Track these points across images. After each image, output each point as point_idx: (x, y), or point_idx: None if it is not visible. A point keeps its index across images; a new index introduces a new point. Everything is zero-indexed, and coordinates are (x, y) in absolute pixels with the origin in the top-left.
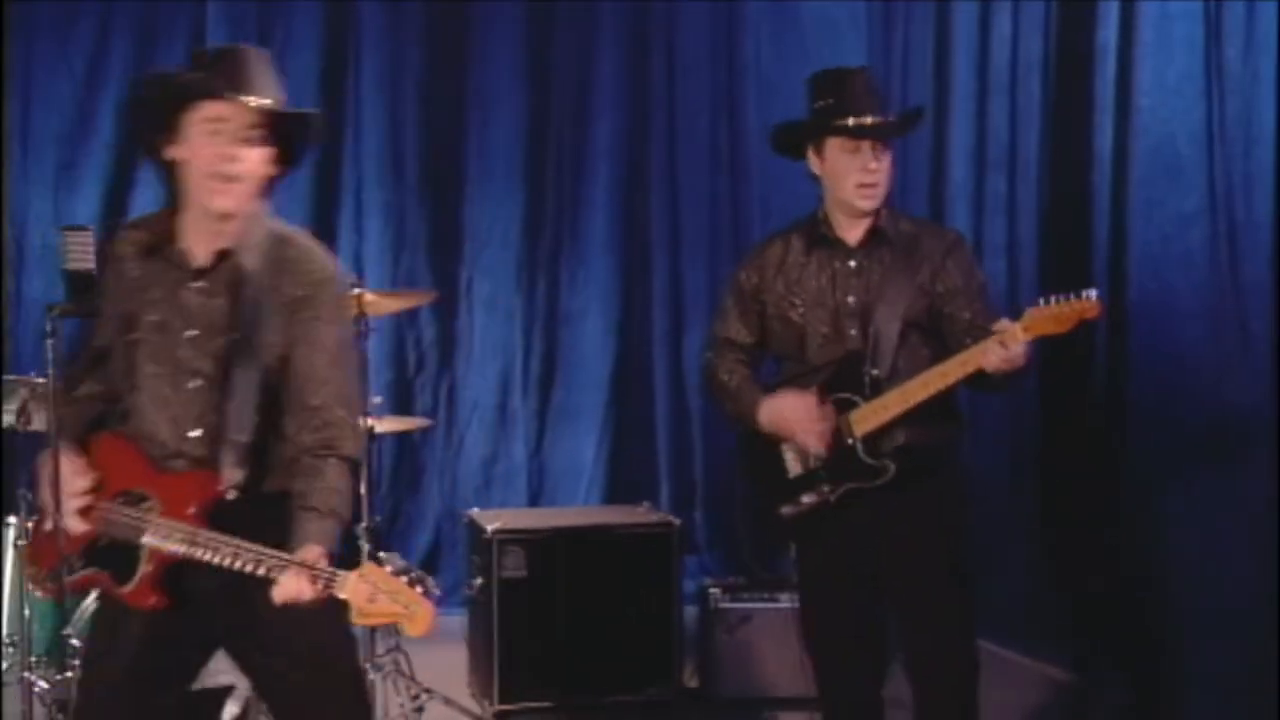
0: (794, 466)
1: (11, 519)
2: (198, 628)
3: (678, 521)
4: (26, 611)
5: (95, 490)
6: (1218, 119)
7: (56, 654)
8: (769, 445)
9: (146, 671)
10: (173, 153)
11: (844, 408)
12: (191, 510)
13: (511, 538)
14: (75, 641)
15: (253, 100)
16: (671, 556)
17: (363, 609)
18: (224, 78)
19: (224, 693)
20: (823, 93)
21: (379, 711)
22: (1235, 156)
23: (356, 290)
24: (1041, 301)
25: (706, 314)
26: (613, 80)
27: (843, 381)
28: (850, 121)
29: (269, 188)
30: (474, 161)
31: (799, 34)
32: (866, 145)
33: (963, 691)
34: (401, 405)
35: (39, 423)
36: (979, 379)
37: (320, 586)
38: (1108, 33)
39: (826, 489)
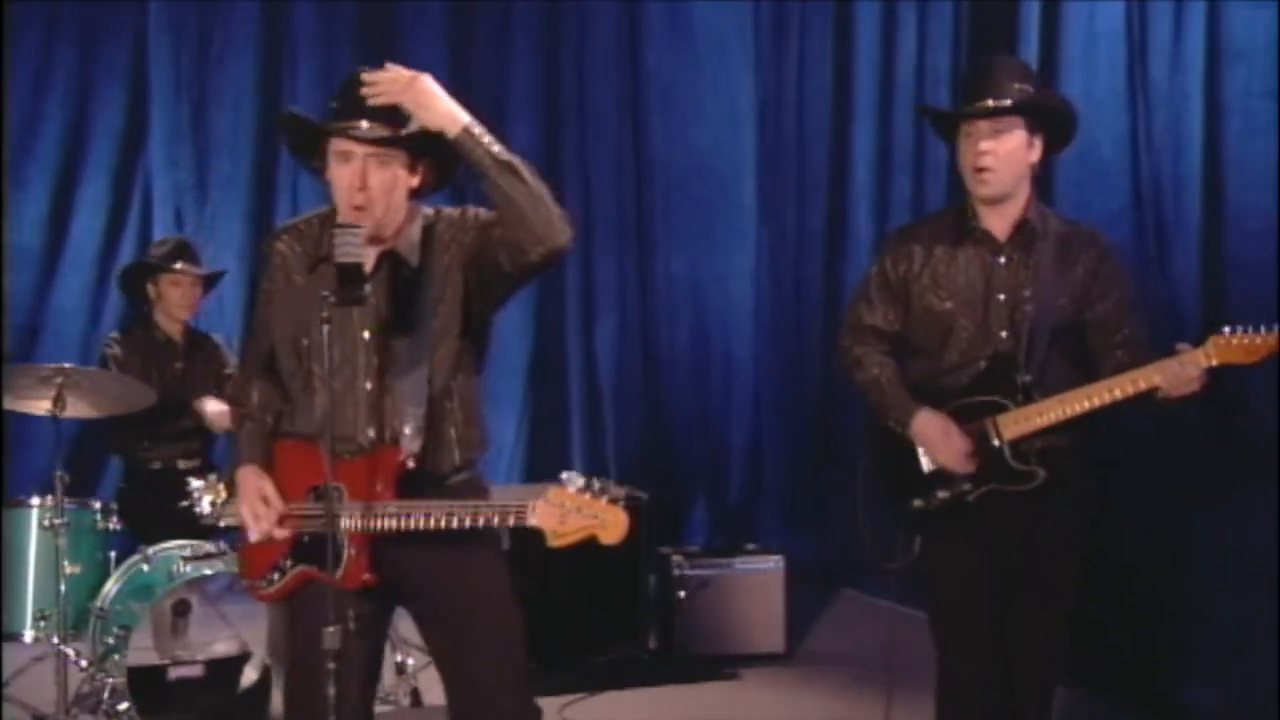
0: (928, 461)
1: (35, 500)
2: (389, 597)
3: (645, 495)
4: (62, 587)
5: (285, 496)
6: (1144, 129)
7: (85, 626)
8: (901, 441)
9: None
10: (325, 175)
11: (991, 410)
12: (379, 487)
13: None
14: (102, 609)
15: (366, 130)
16: (638, 528)
17: (556, 530)
18: (345, 108)
19: (243, 659)
20: (966, 81)
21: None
22: (1163, 162)
23: None
24: (1227, 330)
25: (615, 304)
26: (528, 87)
27: (992, 383)
28: (964, 107)
29: (418, 192)
30: None
31: (694, 45)
32: (980, 127)
33: (1050, 685)
34: None
35: (75, 408)
36: (1142, 397)
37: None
38: (1029, 50)
39: (967, 487)
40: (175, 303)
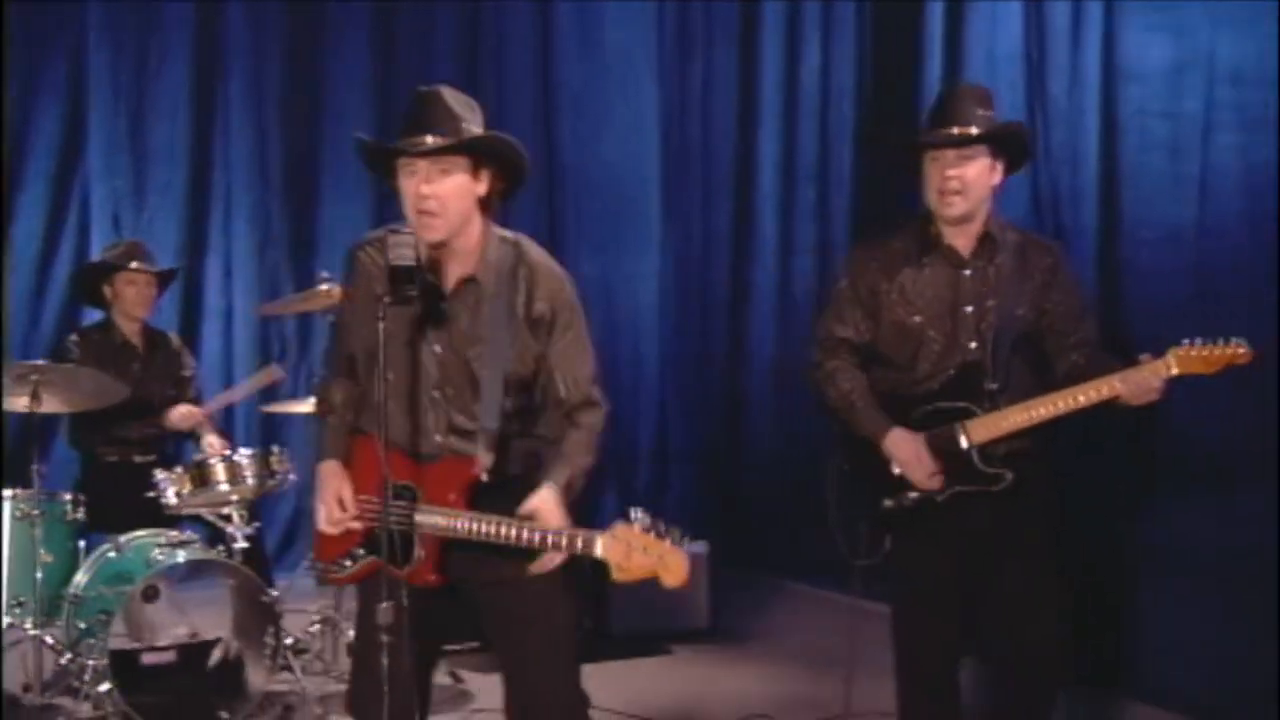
0: (898, 468)
1: (8, 492)
2: (456, 602)
3: None
4: (38, 574)
5: (360, 488)
6: (1043, 144)
7: (58, 613)
8: (873, 443)
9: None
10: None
11: (960, 415)
12: (452, 495)
13: None
14: (76, 596)
15: (426, 143)
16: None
17: (621, 565)
18: (410, 125)
19: (212, 643)
20: (932, 109)
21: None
22: (1062, 174)
23: (326, 286)
24: (1187, 342)
25: None
26: None
27: (961, 390)
28: (931, 134)
29: (489, 206)
30: (327, 168)
31: (603, 56)
32: (947, 154)
33: (1051, 684)
34: (265, 388)
35: (51, 404)
36: (1104, 405)
37: (574, 549)
38: (932, 71)
39: (936, 488)
40: (131, 301)
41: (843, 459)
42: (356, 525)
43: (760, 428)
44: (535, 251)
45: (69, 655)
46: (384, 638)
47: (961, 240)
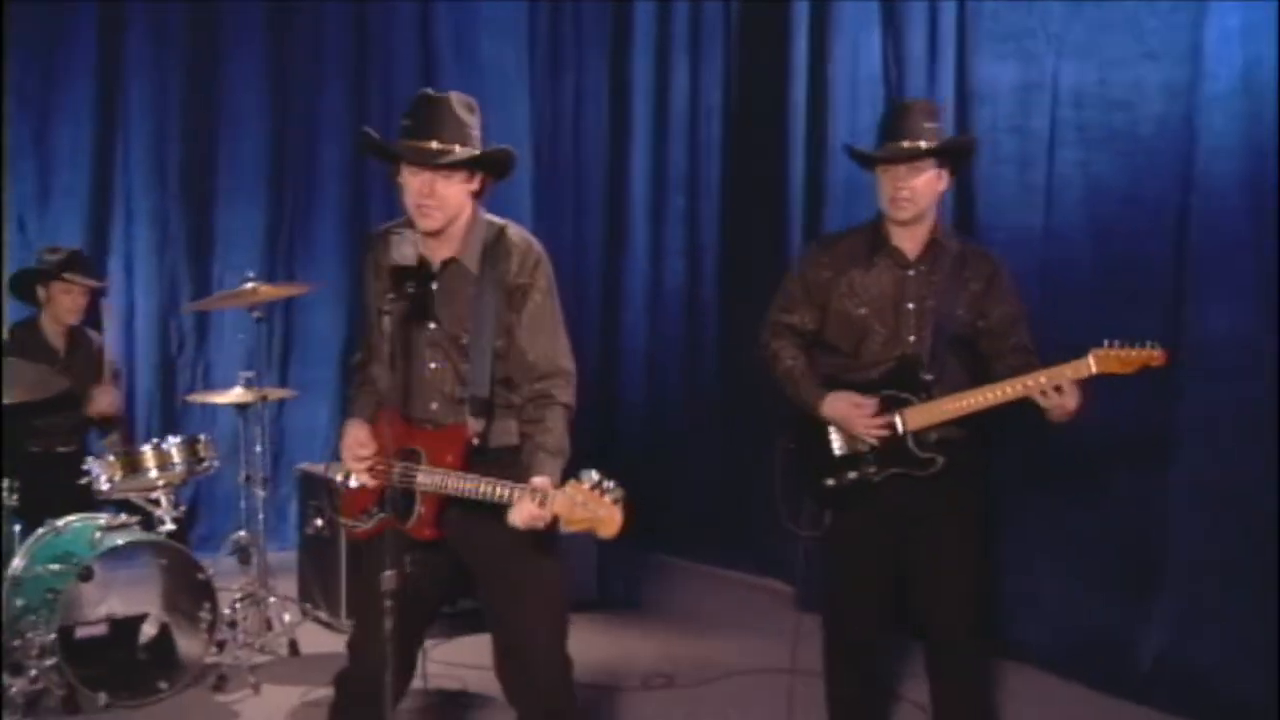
0: (839, 447)
1: None
2: (453, 558)
3: None
4: None
5: (379, 454)
6: None
7: None
8: (816, 426)
9: (411, 595)
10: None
11: (896, 404)
12: (450, 458)
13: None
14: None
15: (432, 149)
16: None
17: (567, 518)
18: (416, 126)
19: (141, 618)
20: (881, 124)
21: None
22: None
23: (252, 285)
24: (1106, 344)
25: None
26: (338, 111)
27: (899, 381)
28: (885, 148)
29: (480, 196)
30: (224, 175)
31: (480, 77)
32: (898, 166)
33: (971, 646)
34: (165, 381)
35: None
36: (1027, 400)
37: (546, 508)
38: (799, 91)
39: (873, 470)
40: (64, 308)
41: (789, 439)
42: (372, 484)
43: (633, 415)
44: (514, 230)
45: (11, 633)
46: (387, 602)
47: (909, 243)
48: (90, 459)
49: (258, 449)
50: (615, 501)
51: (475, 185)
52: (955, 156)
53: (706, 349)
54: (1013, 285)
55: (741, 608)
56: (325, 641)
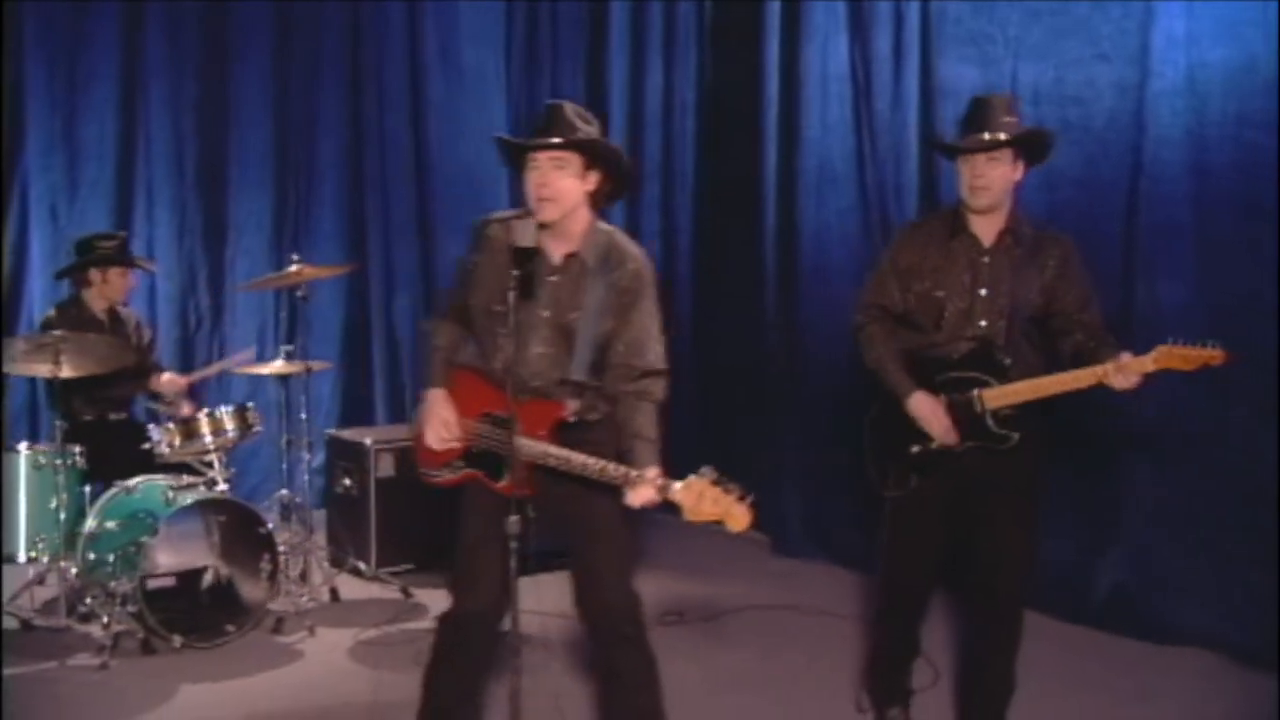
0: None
1: (23, 445)
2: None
3: None
4: (62, 514)
5: (461, 417)
6: (869, 149)
7: (73, 547)
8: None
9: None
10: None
11: (977, 384)
12: (542, 431)
13: (384, 447)
14: (90, 530)
15: (547, 142)
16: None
17: (691, 509)
18: (537, 127)
19: (203, 570)
20: (966, 114)
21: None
22: (886, 173)
23: (296, 266)
24: (1170, 340)
25: (412, 282)
26: (336, 111)
27: (979, 363)
28: (966, 139)
29: (596, 202)
30: (235, 166)
31: (461, 78)
32: (977, 156)
33: (1020, 605)
34: (184, 356)
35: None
36: (1095, 388)
37: (661, 494)
38: (771, 88)
39: (953, 442)
40: (117, 289)
41: (880, 410)
42: (445, 448)
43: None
44: (622, 237)
45: (85, 583)
46: (512, 544)
47: (985, 230)
48: (151, 426)
49: (302, 416)
50: (741, 498)
51: (590, 186)
52: (1032, 148)
53: (681, 323)
54: (1083, 267)
55: (729, 556)
56: (359, 589)
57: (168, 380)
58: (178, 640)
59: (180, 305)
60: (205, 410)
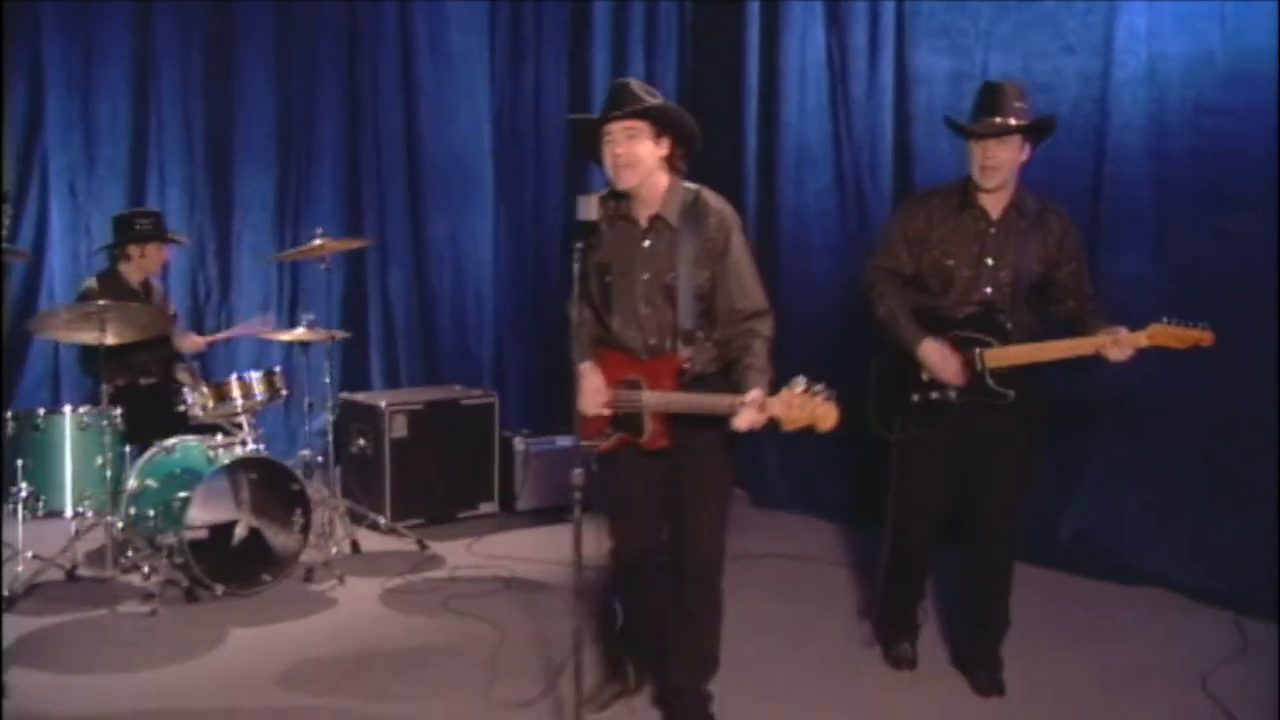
0: (927, 373)
1: (67, 408)
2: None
3: (496, 395)
4: (109, 472)
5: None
6: (845, 132)
7: (116, 504)
8: (909, 354)
9: (657, 492)
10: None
11: (979, 344)
12: (668, 382)
13: (399, 409)
14: (133, 487)
15: (616, 114)
16: (493, 419)
17: (787, 417)
18: (607, 107)
19: (233, 523)
20: (978, 98)
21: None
22: (862, 155)
23: (320, 240)
24: (1165, 319)
25: (408, 259)
26: (334, 96)
27: (983, 324)
28: (996, 120)
29: (673, 165)
30: (240, 147)
31: (450, 65)
32: (989, 139)
33: (1013, 549)
34: (195, 325)
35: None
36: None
37: (765, 413)
38: (752, 76)
39: (953, 394)
40: (153, 261)
41: (885, 361)
42: (607, 412)
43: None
44: (708, 194)
45: (128, 537)
46: (576, 494)
47: (992, 204)
48: (185, 390)
49: (326, 380)
50: (827, 399)
51: (664, 150)
52: (1038, 133)
53: None
54: (1079, 239)
55: None
56: (377, 542)
57: (190, 341)
58: (220, 589)
59: (190, 277)
60: (236, 374)
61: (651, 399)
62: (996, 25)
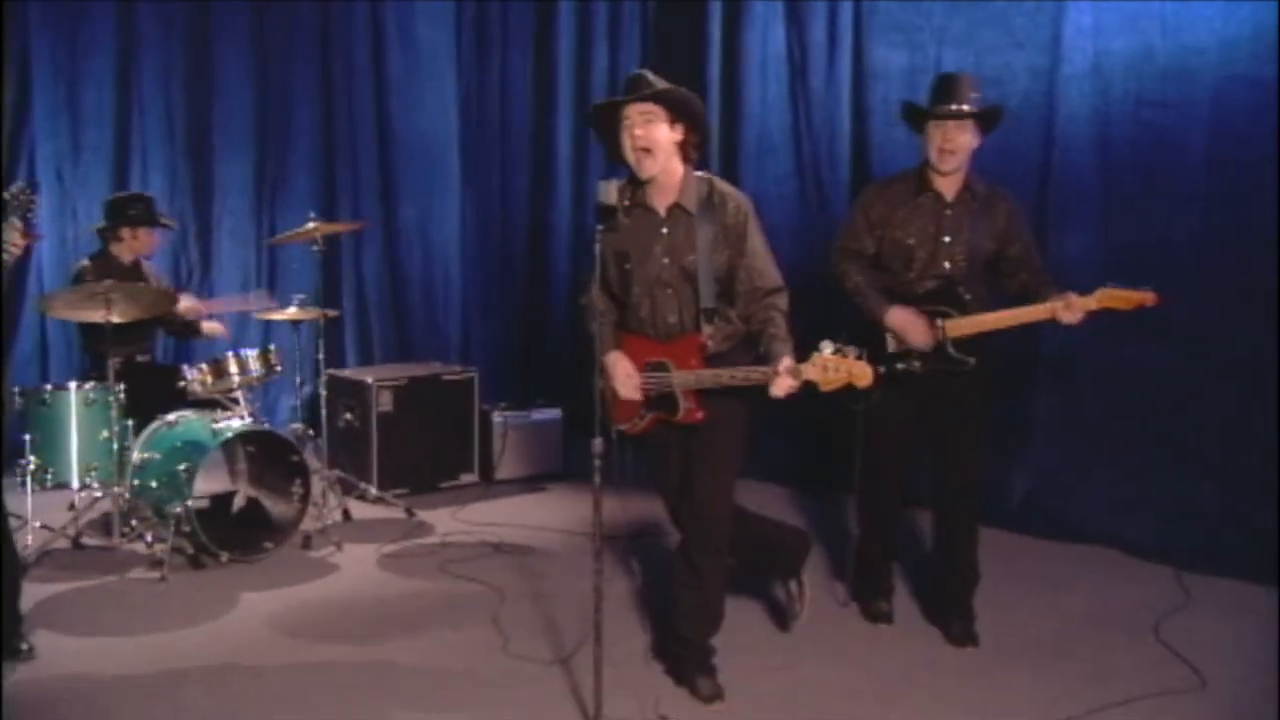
0: (892, 345)
1: (73, 384)
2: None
3: (475, 371)
4: (115, 445)
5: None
6: (804, 123)
7: (121, 475)
8: (873, 326)
9: (688, 465)
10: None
11: (941, 315)
12: (694, 361)
13: (386, 385)
14: (137, 459)
15: (632, 97)
16: (473, 393)
17: (822, 379)
18: (624, 91)
19: (233, 493)
20: (933, 88)
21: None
22: (820, 145)
23: (313, 224)
24: (1110, 284)
25: (377, 240)
26: (307, 82)
27: (943, 297)
28: (952, 106)
29: (687, 154)
30: (219, 134)
31: (418, 56)
32: (947, 124)
33: (976, 502)
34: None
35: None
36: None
37: (799, 379)
38: (714, 69)
39: (918, 364)
40: (145, 244)
41: (850, 336)
42: (639, 396)
43: (558, 319)
44: (721, 182)
45: (132, 507)
46: (596, 463)
47: (946, 187)
48: (185, 366)
49: (320, 356)
50: (859, 357)
51: (678, 136)
52: (989, 121)
53: None
54: (1024, 218)
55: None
56: (366, 511)
57: (187, 305)
58: (225, 556)
59: (173, 258)
60: (234, 352)
61: (681, 378)
62: (949, 22)
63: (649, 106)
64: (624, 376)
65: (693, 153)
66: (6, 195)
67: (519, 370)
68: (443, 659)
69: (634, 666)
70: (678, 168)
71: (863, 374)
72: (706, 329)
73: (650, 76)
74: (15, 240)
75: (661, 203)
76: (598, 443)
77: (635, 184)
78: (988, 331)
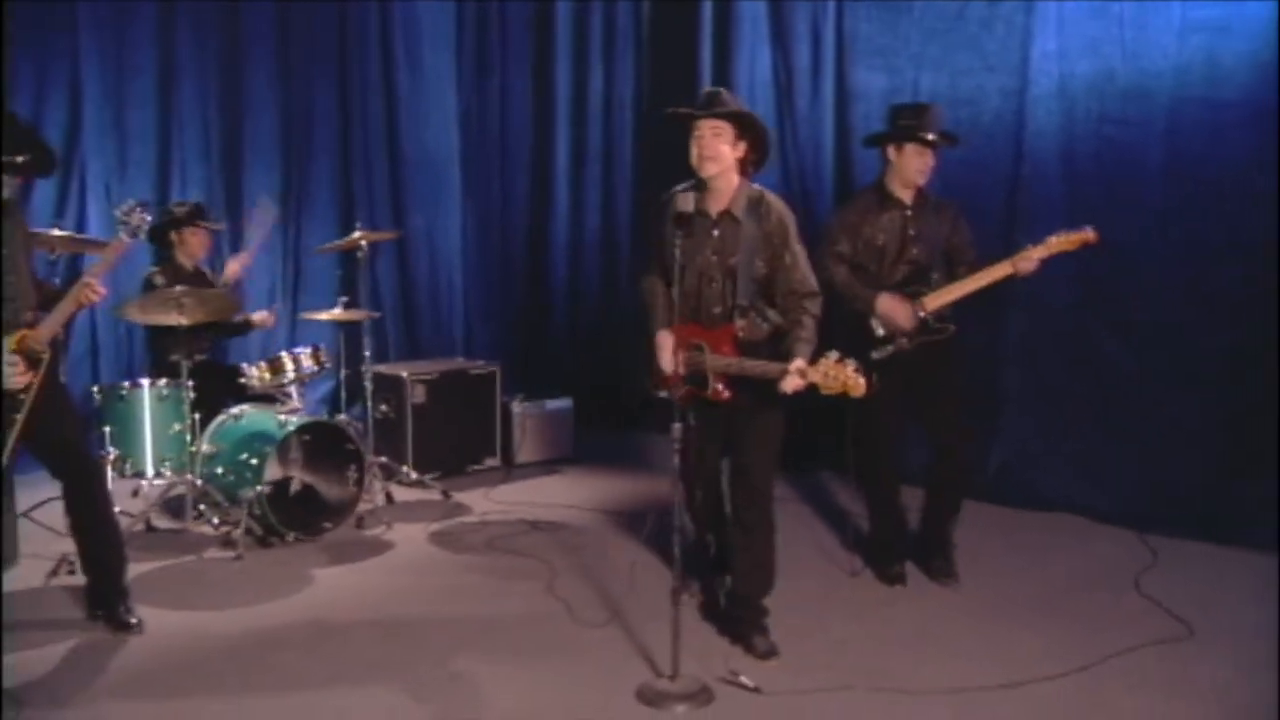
0: (879, 330)
1: (145, 380)
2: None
3: (497, 366)
4: (187, 437)
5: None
6: (790, 138)
7: (191, 464)
8: (861, 317)
9: (718, 441)
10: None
11: (917, 295)
12: (727, 348)
13: (419, 379)
14: (206, 450)
15: (708, 112)
16: (495, 386)
17: (823, 384)
18: (701, 104)
19: (289, 479)
20: (905, 116)
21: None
22: (806, 157)
23: (360, 234)
24: (1054, 235)
25: (392, 249)
26: (327, 101)
27: (914, 280)
28: (929, 135)
29: (744, 168)
30: (248, 150)
31: (424, 76)
32: (924, 149)
33: (967, 460)
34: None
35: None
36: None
37: (806, 379)
38: (704, 88)
39: (905, 342)
40: (195, 246)
41: (840, 329)
42: (682, 370)
43: (555, 321)
44: (771, 195)
45: (202, 493)
46: (675, 445)
47: (907, 196)
48: (244, 365)
49: (366, 353)
50: (856, 370)
51: (739, 153)
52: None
53: (622, 279)
54: (966, 221)
55: (649, 461)
56: (405, 493)
57: (231, 269)
58: (290, 535)
59: (208, 264)
60: (288, 350)
61: (712, 361)
62: (926, 48)
63: (720, 123)
64: (667, 351)
65: (750, 169)
66: (118, 213)
67: (519, 369)
68: (512, 624)
69: (689, 629)
70: (734, 179)
71: (856, 386)
72: (739, 322)
73: (726, 95)
74: (96, 288)
75: (715, 208)
76: (677, 427)
77: (697, 187)
78: (960, 299)
